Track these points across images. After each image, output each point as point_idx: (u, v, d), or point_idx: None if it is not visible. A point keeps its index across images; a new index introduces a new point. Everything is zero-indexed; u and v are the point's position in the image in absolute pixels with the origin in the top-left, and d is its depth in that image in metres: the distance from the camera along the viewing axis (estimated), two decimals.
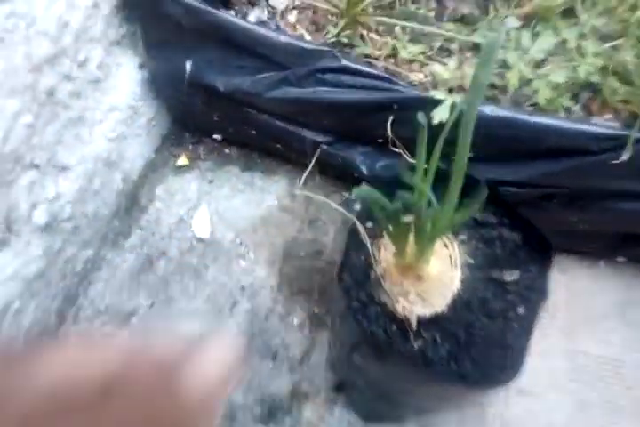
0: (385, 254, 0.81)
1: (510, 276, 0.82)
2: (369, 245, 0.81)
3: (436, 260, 0.77)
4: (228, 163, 1.23)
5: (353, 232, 0.82)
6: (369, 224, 0.87)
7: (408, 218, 0.65)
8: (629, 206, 1.01)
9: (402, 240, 0.71)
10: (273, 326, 1.06)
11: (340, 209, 0.81)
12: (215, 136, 1.23)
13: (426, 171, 0.68)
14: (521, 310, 0.79)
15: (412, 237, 0.73)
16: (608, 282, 1.17)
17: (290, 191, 1.19)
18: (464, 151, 0.60)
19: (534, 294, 0.79)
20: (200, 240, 1.15)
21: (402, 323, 0.77)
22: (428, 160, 0.68)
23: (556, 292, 1.16)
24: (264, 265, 1.12)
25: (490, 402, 1.01)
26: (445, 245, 0.79)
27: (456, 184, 0.64)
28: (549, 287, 0.78)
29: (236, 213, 1.17)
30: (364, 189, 0.65)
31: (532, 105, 1.01)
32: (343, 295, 0.80)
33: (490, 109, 0.94)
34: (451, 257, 0.80)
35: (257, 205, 1.18)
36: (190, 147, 1.25)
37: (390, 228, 0.70)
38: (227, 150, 1.24)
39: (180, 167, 1.23)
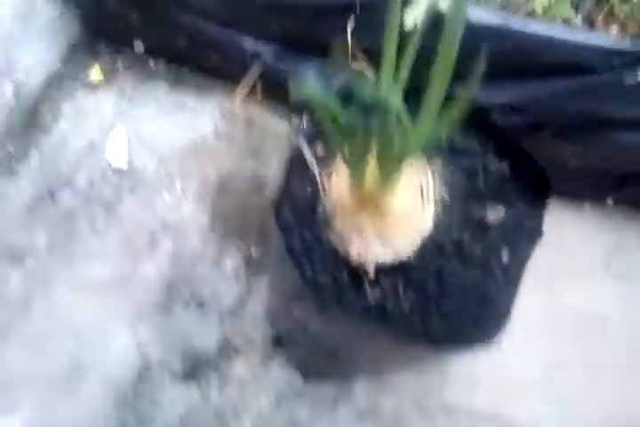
0: (337, 185, 0.66)
1: (494, 213, 0.66)
2: (317, 172, 0.64)
3: (403, 192, 0.61)
4: (153, 78, 1.05)
5: (297, 159, 0.66)
6: (319, 147, 0.70)
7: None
8: (632, 139, 0.87)
9: (360, 164, 0.54)
10: (201, 271, 0.91)
11: (286, 130, 0.64)
12: (137, 46, 1.04)
13: (395, 77, 0.52)
14: (505, 256, 0.64)
15: (373, 162, 0.56)
16: (595, 227, 1.03)
17: (228, 114, 1.01)
18: (448, 56, 0.45)
19: (522, 237, 0.64)
20: (115, 169, 0.98)
21: (355, 270, 0.63)
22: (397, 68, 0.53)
23: None
24: (193, 200, 0.96)
25: (453, 357, 0.88)
26: (416, 174, 0.63)
27: (434, 96, 0.48)
28: (542, 227, 0.62)
29: (160, 139, 1.00)
30: (308, 83, 0.48)
31: (525, 14, 0.85)
32: (282, 235, 0.64)
33: (477, 16, 0.78)
34: (422, 189, 0.64)
35: (187, 130, 1.01)
36: (107, 58, 1.07)
37: (345, 147, 0.53)
38: (151, 64, 1.06)
39: (93, 82, 1.06)
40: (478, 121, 0.69)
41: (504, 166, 0.67)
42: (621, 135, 0.87)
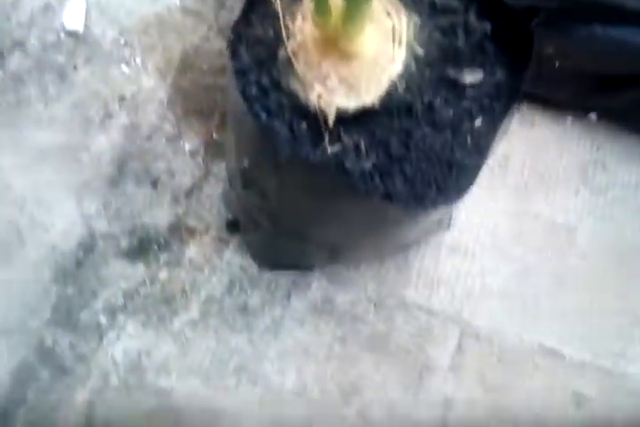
0: (302, 25, 0.59)
1: (471, 76, 0.61)
2: (280, 10, 0.58)
3: (372, 31, 0.56)
4: None
5: None
6: None
7: None
8: (623, 34, 0.83)
9: None
10: (157, 147, 0.86)
11: None
12: None
13: None
14: (478, 121, 0.60)
15: None
16: (574, 141, 1.00)
17: None
18: None
19: (498, 105, 0.60)
20: (71, 34, 0.91)
21: (315, 120, 0.56)
22: None
23: (512, 144, 0.99)
24: (153, 74, 0.89)
25: (416, 256, 0.85)
26: (388, 14, 0.58)
27: None
28: (519, 98, 0.58)
29: (122, 7, 0.93)
30: None
31: None
32: (236, 78, 0.58)
33: None
34: (394, 31, 0.58)
35: (153, 2, 0.93)
36: None
37: None
38: None
39: None
40: None
41: (486, 26, 0.62)
42: (613, 29, 0.83)
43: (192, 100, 0.89)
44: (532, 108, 1.03)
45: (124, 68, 0.89)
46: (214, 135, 0.88)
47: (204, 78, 0.90)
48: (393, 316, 0.84)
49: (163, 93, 0.89)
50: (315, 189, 0.60)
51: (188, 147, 0.87)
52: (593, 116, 1.03)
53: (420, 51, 0.61)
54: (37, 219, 0.80)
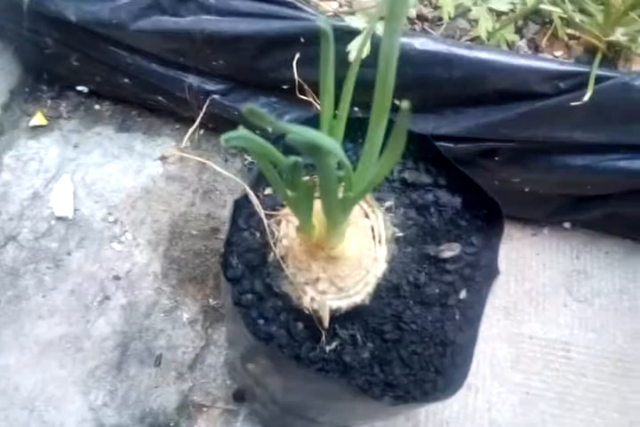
0: (287, 230, 0.60)
1: (449, 251, 0.62)
2: (263, 217, 0.58)
3: (353, 234, 0.56)
4: (99, 122, 0.99)
5: (244, 202, 0.60)
6: (267, 191, 0.64)
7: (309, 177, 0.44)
8: (580, 162, 0.86)
9: (305, 209, 0.49)
10: (156, 323, 0.85)
11: (233, 176, 0.59)
12: (80, 88, 0.99)
13: (336, 113, 0.48)
14: (463, 293, 0.60)
15: (319, 205, 0.51)
16: (554, 252, 1.01)
17: (178, 156, 0.95)
18: (386, 89, 0.40)
19: (480, 273, 0.60)
20: (61, 219, 0.91)
21: (310, 320, 0.57)
22: (337, 106, 0.49)
23: None
24: (145, 248, 0.89)
25: None
26: (366, 215, 0.59)
27: (375, 133, 0.43)
28: (497, 263, 0.59)
29: (108, 185, 0.93)
30: (240, 132, 0.43)
31: (469, 40, 0.82)
32: (230, 287, 0.58)
33: (420, 42, 0.76)
34: (373, 230, 0.60)
35: (136, 174, 0.95)
36: (49, 102, 1.00)
37: (288, 192, 0.48)
38: (96, 106, 1.00)
39: (36, 128, 1.00)
40: (428, 154, 0.64)
41: (456, 201, 0.63)
42: (571, 159, 0.85)
43: (185, 267, 0.89)
44: (510, 226, 1.04)
45: (117, 245, 0.89)
46: (211, 301, 0.88)
47: (194, 244, 0.91)
48: None
49: (156, 266, 0.89)
50: (316, 386, 0.59)
51: (186, 317, 0.86)
52: (567, 224, 1.04)
53: (398, 232, 0.61)
54: (47, 420, 0.77)
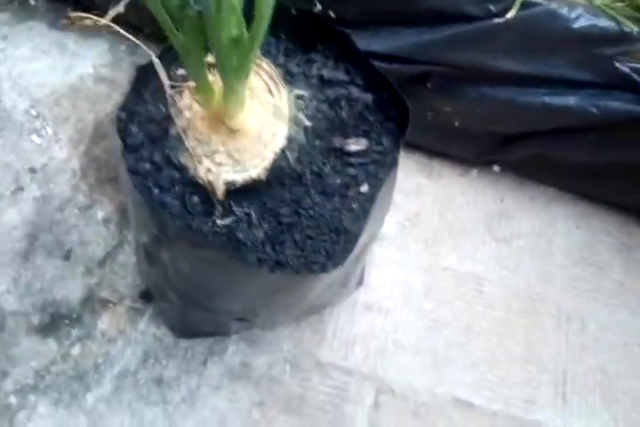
0: (190, 102, 0.59)
1: (355, 145, 0.62)
2: (167, 87, 0.57)
3: (254, 108, 0.56)
4: (32, 17, 0.96)
5: (150, 73, 0.59)
6: (180, 71, 0.63)
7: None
8: (505, 94, 0.87)
9: (196, 58, 0.48)
10: (69, 218, 0.83)
11: (146, 49, 0.56)
12: None
13: None
14: (364, 187, 0.60)
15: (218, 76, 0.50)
16: (480, 192, 1.02)
17: (113, 59, 0.92)
18: None
19: (382, 171, 0.60)
20: None
21: (206, 194, 0.58)
22: None
23: (421, 198, 1.00)
24: (66, 145, 0.87)
25: (331, 316, 0.84)
26: (270, 92, 0.58)
27: None
28: (398, 160, 0.59)
29: (34, 79, 0.91)
30: None
31: None
32: (128, 156, 0.57)
33: None
34: (275, 108, 0.59)
35: (65, 72, 0.93)
36: None
37: (179, 37, 0.47)
38: (31, 1, 0.94)
39: None
40: (349, 55, 0.64)
41: (367, 97, 0.63)
42: (497, 90, 0.86)
43: (105, 168, 0.88)
44: (440, 163, 1.05)
45: (36, 138, 0.87)
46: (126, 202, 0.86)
47: (116, 145, 0.88)
48: (309, 376, 0.83)
49: (75, 163, 0.87)
50: (209, 261, 0.60)
51: (100, 215, 0.85)
52: (496, 167, 1.06)
53: (307, 123, 0.61)
54: None
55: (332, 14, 0.81)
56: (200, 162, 0.55)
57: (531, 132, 0.92)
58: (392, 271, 0.94)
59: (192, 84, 0.57)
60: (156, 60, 0.54)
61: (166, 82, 0.55)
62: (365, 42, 0.83)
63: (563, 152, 0.94)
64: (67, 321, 0.78)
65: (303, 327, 0.85)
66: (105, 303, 0.80)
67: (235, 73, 0.47)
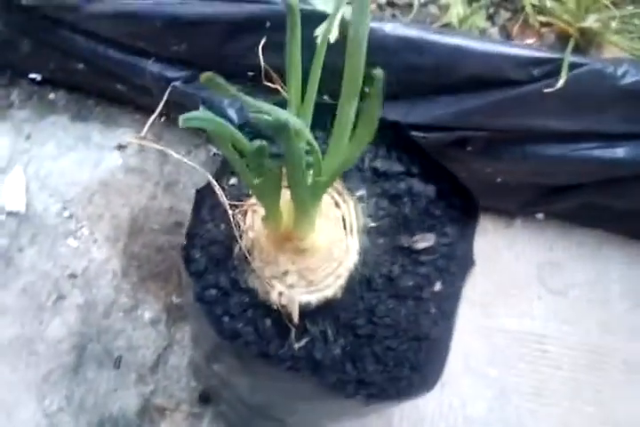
0: (253, 221, 0.56)
1: (423, 242, 0.59)
2: (228, 208, 0.54)
3: (323, 225, 0.53)
4: (53, 112, 0.94)
5: (207, 193, 0.56)
6: (232, 181, 0.60)
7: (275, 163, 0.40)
8: (555, 151, 0.82)
9: (272, 197, 0.45)
10: (115, 323, 0.80)
11: (195, 165, 0.54)
12: (33, 76, 0.93)
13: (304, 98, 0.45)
14: (438, 285, 0.57)
15: (287, 192, 0.47)
16: (527, 243, 0.99)
17: (139, 147, 0.90)
18: (356, 65, 0.38)
19: (454, 265, 0.57)
20: (12, 214, 0.86)
21: (279, 316, 0.53)
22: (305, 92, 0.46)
23: None
24: (103, 244, 0.85)
25: None
26: (336, 204, 0.55)
27: (345, 113, 0.41)
28: (473, 254, 0.55)
29: (63, 178, 0.88)
30: (200, 113, 0.39)
31: (440, 27, 0.80)
32: (193, 282, 0.53)
33: (390, 27, 0.73)
34: (344, 220, 0.57)
35: (93, 167, 0.90)
36: (0, 91, 0.92)
37: (254, 180, 0.44)
38: (51, 95, 0.95)
39: None
40: (400, 142, 0.61)
41: (430, 190, 0.60)
42: (544, 148, 0.83)
43: (147, 264, 0.85)
44: (482, 218, 1.01)
45: (72, 242, 0.84)
46: (174, 298, 0.83)
47: (156, 239, 0.86)
48: None
49: (115, 263, 0.84)
50: (286, 385, 0.56)
51: (147, 316, 0.82)
52: (540, 215, 1.02)
53: (370, 223, 0.58)
54: None
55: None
56: (270, 285, 0.52)
57: (580, 183, 0.89)
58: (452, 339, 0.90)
59: (255, 202, 0.54)
60: (214, 182, 0.51)
61: (226, 203, 0.52)
62: (402, 114, 0.80)
63: (613, 200, 0.91)
64: None
65: (369, 417, 0.81)
66: (162, 411, 0.76)
67: (310, 199, 0.45)
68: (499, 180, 0.91)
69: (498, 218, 1.02)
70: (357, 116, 0.43)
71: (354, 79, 0.41)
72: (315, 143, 0.42)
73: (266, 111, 0.36)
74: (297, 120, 0.38)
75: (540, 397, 0.88)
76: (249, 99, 0.35)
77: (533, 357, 0.91)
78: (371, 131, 0.42)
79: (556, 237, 1.01)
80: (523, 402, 0.87)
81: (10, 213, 0.85)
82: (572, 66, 0.71)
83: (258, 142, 0.40)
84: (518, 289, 0.96)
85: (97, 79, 0.89)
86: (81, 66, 0.87)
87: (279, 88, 0.74)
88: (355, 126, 0.43)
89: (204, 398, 0.78)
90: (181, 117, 0.37)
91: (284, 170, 0.43)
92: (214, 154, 0.92)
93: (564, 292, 0.97)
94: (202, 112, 0.39)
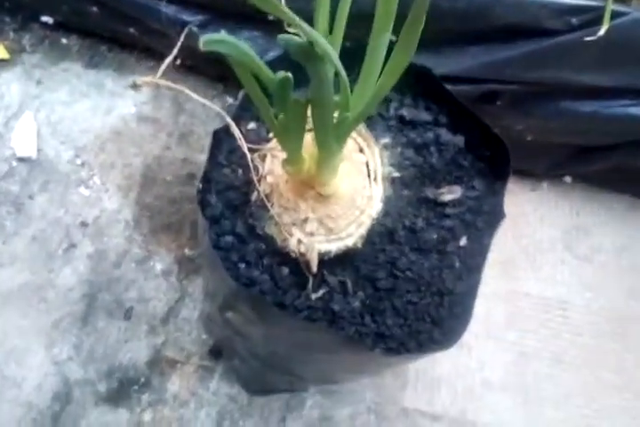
0: (273, 166, 0.53)
1: (450, 194, 0.56)
2: (246, 151, 0.51)
3: (346, 170, 0.50)
4: (66, 57, 0.90)
5: (224, 136, 0.53)
6: (251, 125, 0.57)
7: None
8: (587, 107, 0.79)
9: (295, 135, 0.42)
10: (126, 274, 0.78)
11: (215, 108, 0.51)
12: (45, 19, 0.90)
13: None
14: (464, 240, 0.54)
15: (309, 135, 0.44)
16: (553, 207, 0.95)
17: (153, 95, 0.87)
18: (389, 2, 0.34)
19: (482, 220, 0.54)
20: (23, 160, 0.84)
21: (296, 264, 0.50)
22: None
23: None
24: (115, 194, 0.82)
25: None
26: (360, 150, 0.52)
27: (377, 43, 0.37)
28: (502, 210, 0.52)
29: (75, 125, 0.85)
30: (222, 35, 0.36)
31: None
32: (208, 227, 0.51)
33: None
34: (368, 167, 0.53)
35: (106, 114, 0.87)
36: (11, 35, 0.91)
37: (276, 117, 0.41)
38: (63, 40, 0.91)
39: None
40: (428, 90, 0.57)
41: (458, 140, 0.56)
42: (579, 104, 0.79)
43: (159, 215, 0.82)
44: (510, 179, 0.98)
45: (84, 190, 0.82)
46: (186, 251, 0.81)
47: (169, 190, 0.83)
48: (395, 424, 0.77)
49: (127, 213, 0.82)
50: (301, 336, 0.54)
51: (159, 267, 0.80)
52: (568, 178, 0.98)
53: (395, 172, 0.55)
54: (8, 375, 0.71)
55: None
56: (289, 232, 0.49)
57: (612, 144, 0.84)
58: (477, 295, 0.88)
59: (275, 146, 0.51)
60: (232, 124, 0.48)
61: (245, 146, 0.49)
62: (428, 64, 0.76)
63: None
64: (135, 387, 0.73)
65: (383, 372, 0.80)
66: (173, 363, 0.75)
67: (335, 139, 0.41)
68: (529, 138, 0.87)
69: (524, 180, 0.98)
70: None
71: (387, 11, 0.37)
72: (344, 74, 0.39)
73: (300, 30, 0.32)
74: (326, 43, 0.35)
75: (560, 362, 0.85)
76: (291, 14, 0.31)
77: (555, 323, 0.89)
78: (405, 61, 0.38)
79: (584, 202, 0.97)
80: (542, 367, 0.84)
81: (21, 159, 0.83)
82: (614, 15, 0.67)
83: (282, 73, 0.37)
84: (542, 253, 0.93)
85: (110, 22, 0.86)
86: (94, 8, 0.83)
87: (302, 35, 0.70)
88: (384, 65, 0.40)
89: (216, 352, 0.76)
90: (202, 38, 0.34)
91: (308, 109, 0.40)
92: (230, 105, 0.89)
93: (590, 257, 0.94)
94: (225, 35, 0.35)
